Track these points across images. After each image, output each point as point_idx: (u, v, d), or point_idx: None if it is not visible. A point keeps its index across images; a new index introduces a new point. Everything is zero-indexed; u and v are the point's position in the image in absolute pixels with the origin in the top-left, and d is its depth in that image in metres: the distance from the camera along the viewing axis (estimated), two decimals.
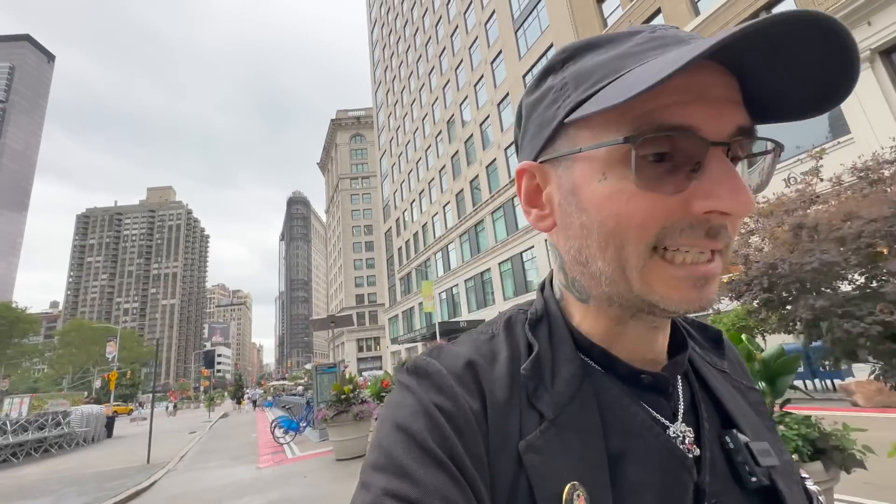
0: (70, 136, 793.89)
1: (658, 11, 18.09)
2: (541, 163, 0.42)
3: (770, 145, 0.38)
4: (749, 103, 0.36)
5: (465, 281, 33.76)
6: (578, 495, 0.33)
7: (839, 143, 12.66)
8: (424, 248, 41.02)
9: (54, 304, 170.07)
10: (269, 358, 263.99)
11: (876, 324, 2.82)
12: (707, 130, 0.34)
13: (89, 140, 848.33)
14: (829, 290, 3.26)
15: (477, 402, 0.37)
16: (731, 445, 0.40)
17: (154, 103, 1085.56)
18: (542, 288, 0.48)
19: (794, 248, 3.36)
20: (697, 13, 16.63)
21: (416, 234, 43.44)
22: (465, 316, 33.33)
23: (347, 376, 9.98)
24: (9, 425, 12.61)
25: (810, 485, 0.43)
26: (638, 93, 0.30)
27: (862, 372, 8.27)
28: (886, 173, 3.66)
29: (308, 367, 45.97)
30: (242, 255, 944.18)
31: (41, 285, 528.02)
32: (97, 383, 54.90)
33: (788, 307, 3.41)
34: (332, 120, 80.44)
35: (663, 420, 0.40)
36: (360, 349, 67.15)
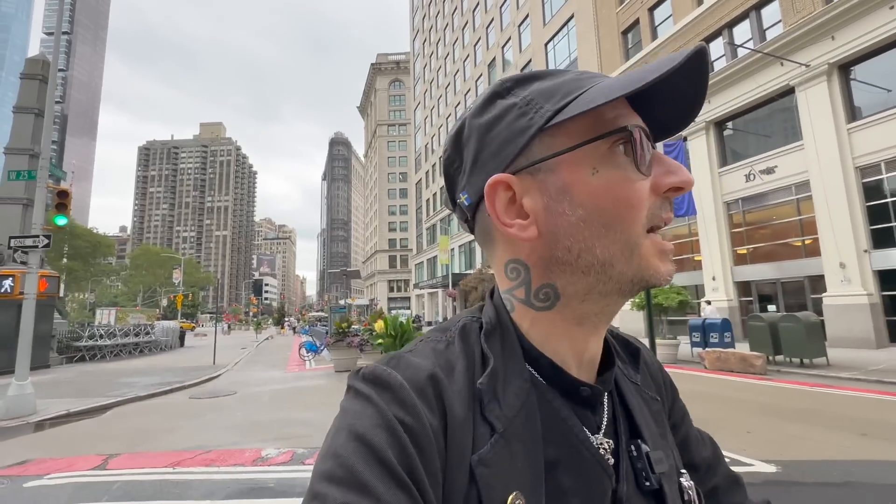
0: (127, 66, 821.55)
1: None
2: (514, 174, 0.43)
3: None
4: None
5: None
6: (519, 503, 0.36)
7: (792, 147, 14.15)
8: None
9: (123, 229, 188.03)
10: (312, 290, 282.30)
11: None
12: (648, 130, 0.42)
13: (144, 70, 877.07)
14: None
15: (437, 419, 0.38)
16: (635, 454, 0.45)
17: (201, 33, 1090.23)
18: (491, 294, 0.50)
19: None
20: (700, 3, 17.35)
21: (442, 188, 45.82)
22: (479, 267, 36.51)
23: (378, 311, 13.51)
24: (117, 332, 17.43)
25: (684, 480, 0.48)
26: (636, 89, 0.36)
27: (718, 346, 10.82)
28: None
29: (343, 301, 51.47)
30: (287, 190, 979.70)
31: (110, 209, 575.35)
32: (164, 302, 63.55)
33: None
34: (373, 64, 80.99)
35: (587, 432, 0.43)
36: (391, 289, 72.64)
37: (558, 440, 0.42)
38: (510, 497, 0.36)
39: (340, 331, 11.04)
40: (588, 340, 0.46)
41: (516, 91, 0.44)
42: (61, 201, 7.88)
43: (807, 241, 13.85)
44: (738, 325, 14.14)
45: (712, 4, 16.61)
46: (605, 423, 0.46)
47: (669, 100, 0.43)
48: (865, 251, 12.13)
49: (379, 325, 7.87)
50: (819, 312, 12.88)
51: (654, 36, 19.52)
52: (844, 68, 12.92)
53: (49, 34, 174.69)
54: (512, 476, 0.37)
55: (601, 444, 0.44)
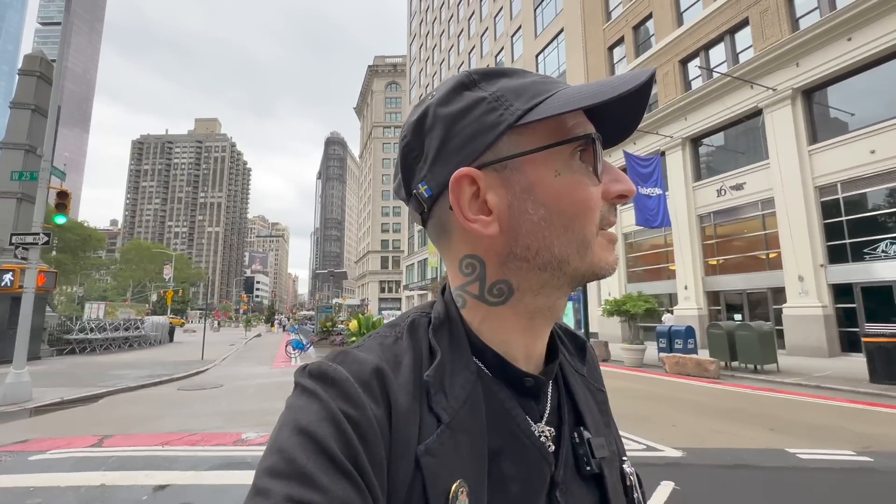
0: (122, 58, 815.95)
1: (650, 16, 19.56)
2: (479, 168, 0.43)
3: None
4: None
5: None
6: (462, 491, 0.37)
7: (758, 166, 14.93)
8: None
9: (114, 223, 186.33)
10: (304, 289, 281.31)
11: None
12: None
13: (140, 62, 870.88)
14: None
15: (381, 410, 0.38)
16: (578, 440, 0.47)
17: (198, 28, 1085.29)
18: (442, 291, 0.50)
19: None
20: (680, 24, 18.16)
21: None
22: None
23: (366, 313, 14.07)
24: (107, 325, 17.80)
25: (626, 467, 0.50)
26: (612, 97, 0.38)
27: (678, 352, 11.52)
28: None
29: (334, 301, 51.83)
30: (281, 188, 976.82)
31: (100, 201, 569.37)
32: (153, 297, 63.38)
33: None
34: (370, 66, 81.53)
35: (530, 421, 0.45)
36: (383, 290, 72.96)
37: (502, 430, 0.43)
38: (454, 485, 0.37)
39: (325, 330, 11.61)
40: (538, 334, 0.47)
41: (483, 85, 0.44)
42: (61, 201, 8.38)
43: (770, 255, 14.63)
44: (706, 333, 14.87)
45: (690, 27, 17.43)
46: (548, 411, 0.47)
47: (616, 114, 0.45)
48: (822, 266, 12.91)
49: (353, 325, 8.48)
50: (780, 322, 13.68)
51: (638, 53, 20.33)
52: (807, 93, 13.74)
53: (44, 24, 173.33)
54: (457, 465, 0.38)
55: (543, 431, 0.45)
